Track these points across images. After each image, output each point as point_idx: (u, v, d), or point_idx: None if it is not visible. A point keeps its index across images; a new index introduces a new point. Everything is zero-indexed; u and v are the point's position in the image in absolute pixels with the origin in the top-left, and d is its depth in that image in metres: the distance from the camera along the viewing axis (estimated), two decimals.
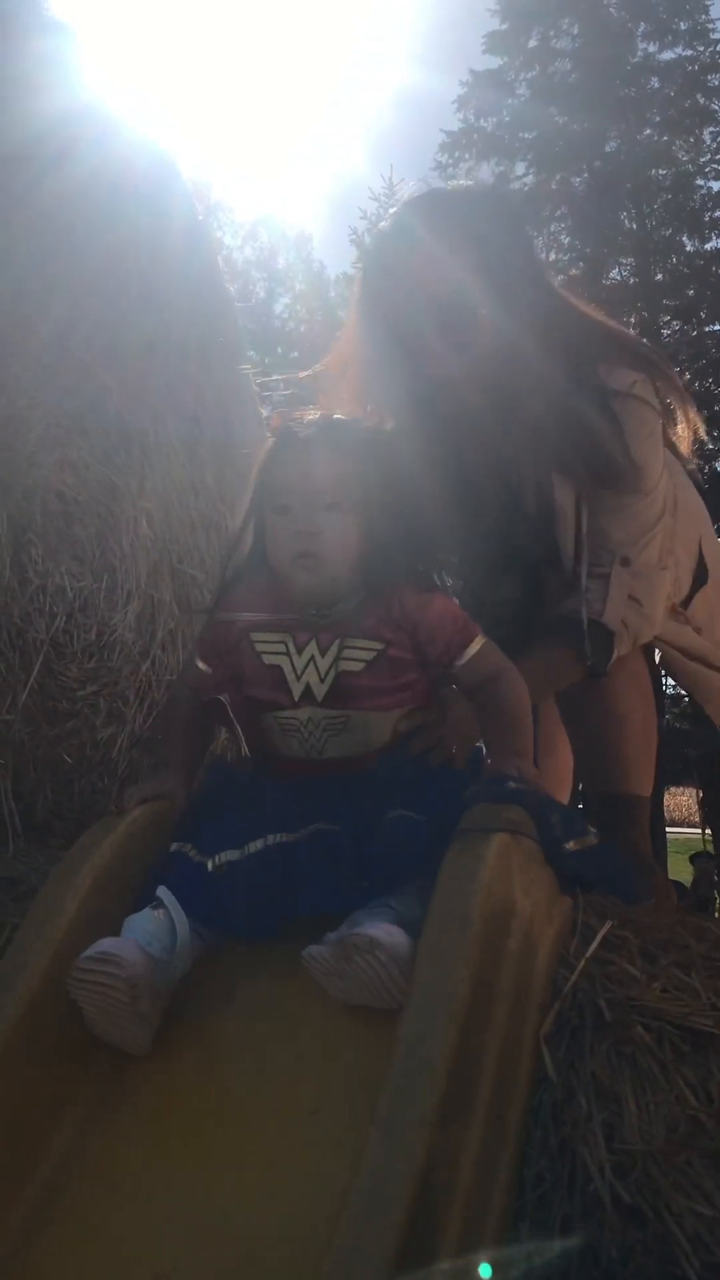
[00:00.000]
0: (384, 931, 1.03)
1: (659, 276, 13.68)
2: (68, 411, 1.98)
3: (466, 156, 14.17)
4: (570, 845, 1.22)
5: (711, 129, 13.69)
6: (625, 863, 1.42)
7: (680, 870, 10.93)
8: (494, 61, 14.21)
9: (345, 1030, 1.07)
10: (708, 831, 14.43)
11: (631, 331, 1.92)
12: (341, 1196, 0.84)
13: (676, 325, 13.58)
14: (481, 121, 14.24)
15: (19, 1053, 1.03)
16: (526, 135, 13.92)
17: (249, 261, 21.58)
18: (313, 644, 1.29)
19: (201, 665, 1.38)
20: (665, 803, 14.42)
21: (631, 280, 13.68)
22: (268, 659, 1.31)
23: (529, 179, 13.71)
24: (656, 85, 13.72)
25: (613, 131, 13.49)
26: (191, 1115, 1.05)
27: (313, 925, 1.11)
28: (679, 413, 1.80)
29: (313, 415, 1.36)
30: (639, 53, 13.82)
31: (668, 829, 13.73)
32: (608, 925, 1.16)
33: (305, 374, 1.82)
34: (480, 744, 1.38)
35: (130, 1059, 1.10)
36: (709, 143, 13.73)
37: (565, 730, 1.94)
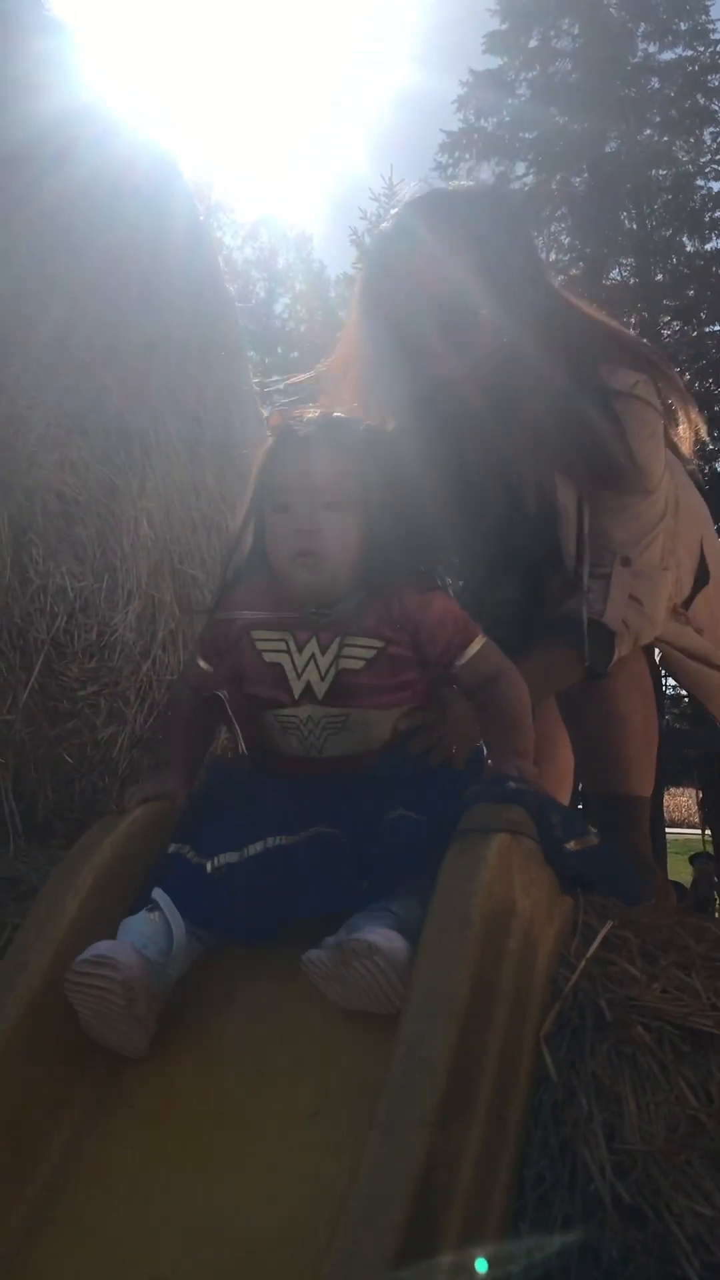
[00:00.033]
0: (382, 937, 1.03)
1: (659, 277, 13.69)
2: (68, 411, 1.98)
3: (467, 157, 14.18)
4: (571, 845, 1.22)
5: (712, 129, 13.71)
6: (626, 863, 1.42)
7: (680, 871, 10.93)
8: (494, 61, 14.24)
9: (344, 1032, 1.07)
10: (707, 832, 14.44)
11: (632, 332, 1.92)
12: (341, 1198, 0.85)
13: (676, 326, 13.60)
14: (482, 122, 14.26)
15: (19, 1053, 1.03)
16: (527, 135, 13.93)
17: (249, 262, 21.57)
18: (313, 642, 1.29)
19: (203, 664, 1.38)
20: (665, 803, 14.42)
21: (631, 281, 13.69)
22: (268, 657, 1.31)
23: (529, 179, 13.72)
24: (657, 85, 13.73)
25: (613, 132, 13.50)
26: (190, 1117, 1.05)
27: (312, 927, 1.11)
28: (680, 413, 1.80)
29: (312, 413, 1.36)
30: (639, 53, 13.85)
31: (667, 830, 13.73)
32: (608, 925, 1.16)
33: (307, 375, 1.82)
34: (480, 744, 1.37)
35: (130, 1061, 1.10)
36: (709, 143, 13.77)
37: (566, 731, 1.94)
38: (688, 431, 1.82)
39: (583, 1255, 0.88)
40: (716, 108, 13.66)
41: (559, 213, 13.60)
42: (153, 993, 1.08)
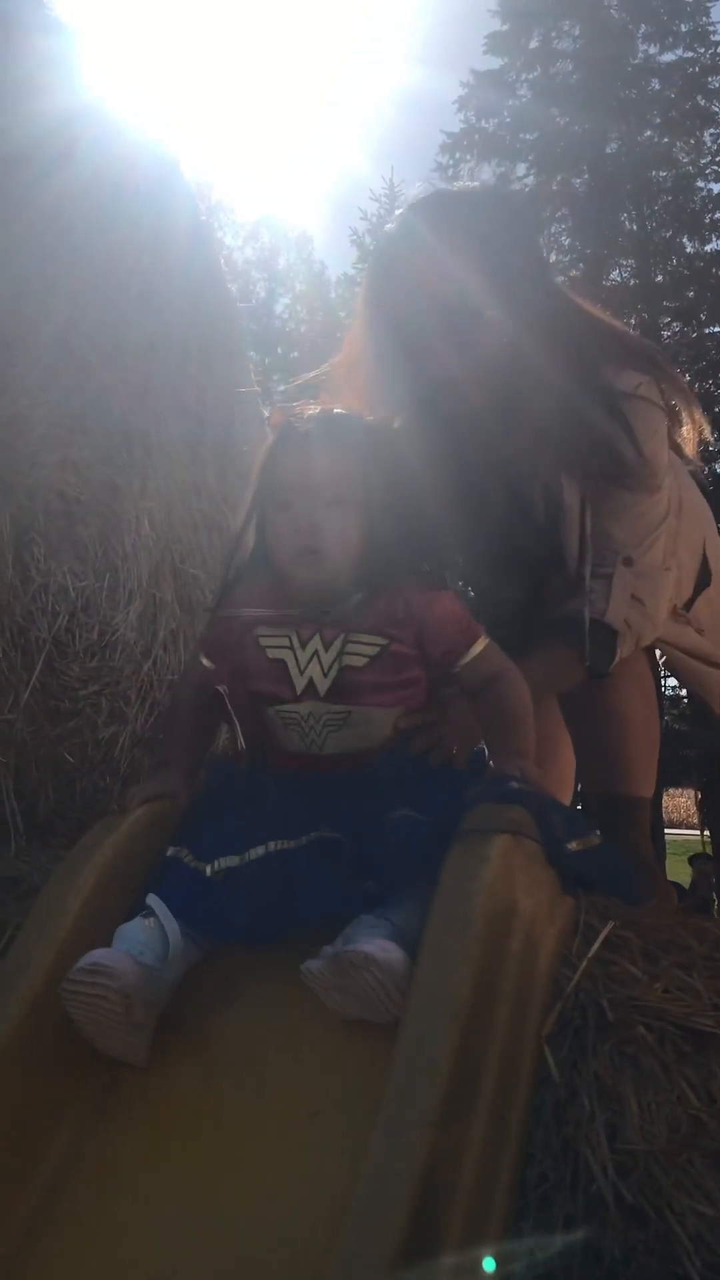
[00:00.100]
0: (379, 948, 1.02)
1: (659, 278, 13.70)
2: (70, 411, 1.98)
3: (467, 157, 14.19)
4: (572, 845, 1.22)
5: (712, 131, 13.73)
6: (627, 863, 1.42)
7: (679, 872, 10.93)
8: (495, 62, 14.24)
9: (345, 1033, 1.07)
10: (706, 833, 14.44)
11: (636, 333, 1.92)
12: (341, 1198, 0.85)
13: (677, 327, 13.61)
14: (482, 122, 14.26)
15: (21, 1053, 1.03)
16: (527, 136, 13.94)
17: (249, 262, 21.57)
18: (316, 638, 1.29)
19: (205, 662, 1.38)
20: (663, 804, 14.42)
21: (632, 282, 13.70)
22: (271, 653, 1.31)
23: (530, 180, 13.73)
24: (657, 87, 13.75)
25: (613, 133, 13.51)
26: (191, 1117, 1.05)
27: (312, 929, 1.11)
28: (684, 414, 1.80)
29: (313, 411, 1.36)
30: (640, 54, 13.86)
31: (666, 830, 13.74)
32: (610, 926, 1.16)
33: (314, 374, 1.82)
34: (482, 744, 1.38)
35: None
36: (709, 144, 13.78)
37: (567, 731, 1.94)
38: (691, 432, 1.82)
39: (585, 1255, 0.88)
40: (717, 109, 13.67)
41: (559, 214, 13.60)
42: (150, 999, 1.08)
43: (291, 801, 1.25)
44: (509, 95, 14.13)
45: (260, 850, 1.19)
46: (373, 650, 1.29)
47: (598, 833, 1.29)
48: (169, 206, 2.51)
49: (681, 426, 1.80)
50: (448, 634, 1.31)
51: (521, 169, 14.00)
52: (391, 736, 1.31)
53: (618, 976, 1.09)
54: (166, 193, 2.51)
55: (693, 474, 1.91)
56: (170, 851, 1.22)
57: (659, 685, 1.99)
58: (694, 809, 17.04)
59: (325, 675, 1.28)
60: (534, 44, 14.07)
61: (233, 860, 1.19)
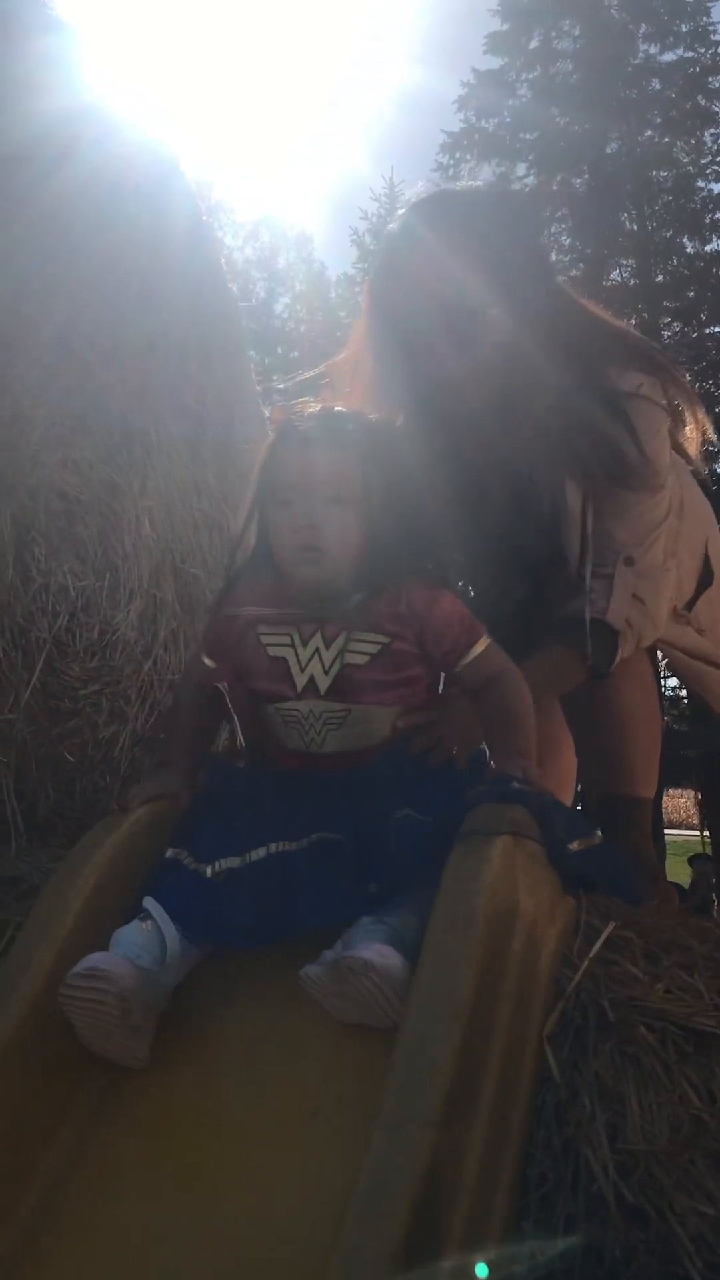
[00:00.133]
0: (377, 954, 1.02)
1: (659, 278, 13.70)
2: (71, 411, 1.98)
3: (468, 157, 14.18)
4: (574, 846, 1.22)
5: (712, 131, 13.73)
6: (627, 863, 1.42)
7: (679, 872, 10.93)
8: (495, 62, 14.24)
9: (345, 1032, 1.07)
10: (706, 833, 14.43)
11: (638, 333, 1.92)
12: (342, 1197, 0.85)
13: (677, 327, 13.61)
14: (483, 122, 14.26)
15: (23, 1052, 1.03)
16: (527, 136, 13.94)
17: (249, 261, 21.58)
18: (318, 636, 1.29)
19: (207, 661, 1.38)
20: (663, 805, 14.42)
21: (632, 282, 13.70)
22: (272, 651, 1.31)
23: (530, 180, 13.72)
24: (658, 87, 13.75)
25: (614, 133, 13.51)
26: (191, 1117, 1.05)
27: (313, 929, 1.12)
28: (688, 414, 1.80)
29: (314, 409, 1.36)
30: (640, 54, 13.86)
31: (666, 831, 13.73)
32: (611, 926, 1.16)
33: (317, 372, 1.82)
34: (483, 745, 1.37)
35: None
36: (710, 144, 13.78)
37: (569, 732, 1.94)
38: (695, 433, 1.82)
39: (586, 1255, 0.88)
40: (717, 109, 13.67)
41: (559, 214, 13.60)
42: (148, 1002, 1.08)
43: (292, 801, 1.26)
44: (509, 95, 14.13)
45: (262, 852, 1.19)
46: (374, 648, 1.29)
47: (599, 833, 1.29)
48: (168, 206, 2.51)
49: (685, 426, 1.80)
50: (450, 633, 1.31)
51: (522, 169, 14.00)
52: (390, 736, 1.31)
53: (619, 977, 1.09)
54: (166, 192, 2.51)
55: (694, 473, 1.91)
56: (169, 853, 1.22)
57: (659, 685, 1.99)
58: (694, 809, 17.03)
59: (326, 673, 1.28)
60: (534, 44, 14.07)
61: (234, 862, 1.19)
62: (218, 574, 2.00)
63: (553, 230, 13.49)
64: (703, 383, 12.64)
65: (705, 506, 1.93)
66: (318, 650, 1.29)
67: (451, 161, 14.26)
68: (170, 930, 1.13)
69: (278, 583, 1.33)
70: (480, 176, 13.52)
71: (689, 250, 13.81)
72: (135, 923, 1.14)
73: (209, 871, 1.19)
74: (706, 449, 1.91)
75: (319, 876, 1.15)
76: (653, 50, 13.85)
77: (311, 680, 1.28)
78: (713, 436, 1.86)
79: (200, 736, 1.40)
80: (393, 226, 1.76)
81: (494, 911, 1.02)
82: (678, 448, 1.81)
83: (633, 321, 12.08)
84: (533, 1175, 0.94)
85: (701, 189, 13.73)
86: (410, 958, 1.02)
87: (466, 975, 0.95)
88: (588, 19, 13.72)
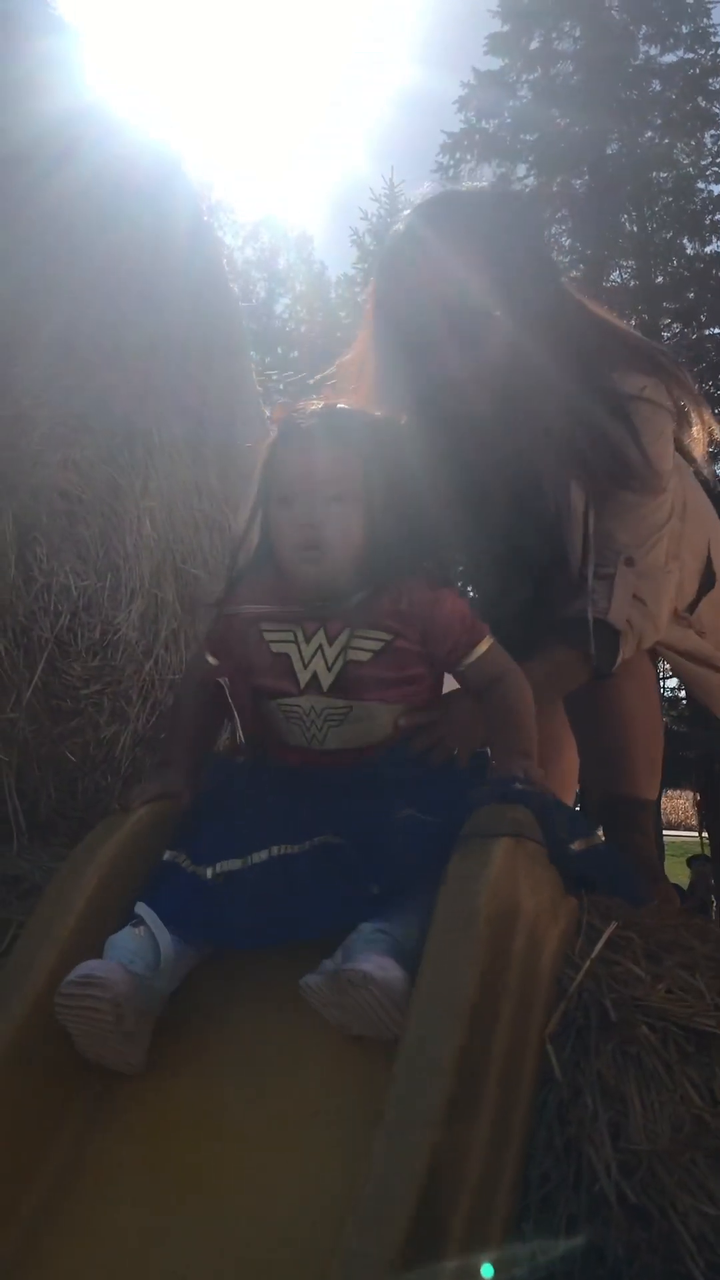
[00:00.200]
0: (377, 966, 1.02)
1: (659, 279, 13.71)
2: (73, 411, 1.98)
3: (468, 158, 14.18)
4: (575, 846, 1.22)
5: (712, 132, 13.74)
6: (628, 864, 1.42)
7: (677, 873, 10.93)
8: (495, 63, 14.25)
9: (346, 1034, 1.07)
10: (705, 835, 14.43)
11: (643, 335, 1.92)
12: (343, 1199, 0.85)
13: (677, 328, 13.61)
14: (483, 123, 14.26)
15: (25, 1052, 1.04)
16: (528, 137, 13.95)
17: (250, 262, 21.62)
18: (321, 633, 1.29)
19: (210, 659, 1.38)
20: (662, 806, 14.42)
21: (632, 283, 13.70)
22: (275, 647, 1.31)
23: (530, 181, 13.72)
24: (658, 88, 13.76)
25: (614, 134, 13.52)
26: (192, 1119, 1.05)
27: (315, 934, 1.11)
28: (694, 415, 1.80)
29: (316, 406, 1.36)
30: (640, 55, 13.87)
31: (665, 832, 13.73)
32: (613, 926, 1.16)
33: (327, 372, 1.82)
34: (484, 745, 1.38)
35: None
36: (710, 146, 13.80)
37: (571, 733, 1.94)
38: (701, 434, 1.81)
39: (588, 1254, 0.88)
40: (717, 110, 13.68)
41: (559, 215, 13.60)
42: (142, 1008, 1.08)
43: (293, 800, 1.25)
44: (509, 96, 14.14)
45: (264, 854, 1.19)
46: (377, 645, 1.29)
47: (600, 833, 1.30)
48: (170, 206, 2.50)
49: (691, 428, 1.80)
50: (453, 632, 1.31)
51: (522, 170, 14.01)
52: (392, 734, 1.31)
53: (621, 976, 1.09)
54: (168, 193, 2.51)
55: (696, 474, 1.91)
56: (167, 855, 1.22)
57: (659, 686, 1.99)
58: (692, 811, 17.03)
59: (329, 669, 1.28)
60: (535, 45, 14.07)
61: (235, 864, 1.19)
62: (219, 574, 2.00)
63: (552, 231, 13.48)
64: (702, 384, 12.64)
65: (708, 509, 1.93)
66: (321, 647, 1.29)
67: (451, 162, 14.27)
68: (163, 935, 1.13)
69: (280, 581, 1.33)
70: (480, 177, 13.52)
71: (689, 251, 13.83)
72: (128, 928, 1.14)
73: (209, 873, 1.18)
74: (710, 450, 1.91)
75: (321, 880, 1.14)
76: (653, 51, 13.88)
77: (314, 676, 1.28)
78: (719, 437, 1.86)
79: (202, 736, 1.40)
80: (397, 228, 1.76)
81: (496, 911, 1.02)
82: (682, 450, 1.81)
83: (632, 323, 12.06)
84: (534, 1175, 0.94)
85: (701, 190, 13.75)
86: (411, 968, 1.02)
87: (468, 975, 0.95)
88: (588, 20, 13.73)
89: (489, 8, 14.21)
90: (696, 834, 15.37)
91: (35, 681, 1.80)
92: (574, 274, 12.39)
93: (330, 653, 1.28)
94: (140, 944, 1.12)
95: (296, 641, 1.30)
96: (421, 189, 1.82)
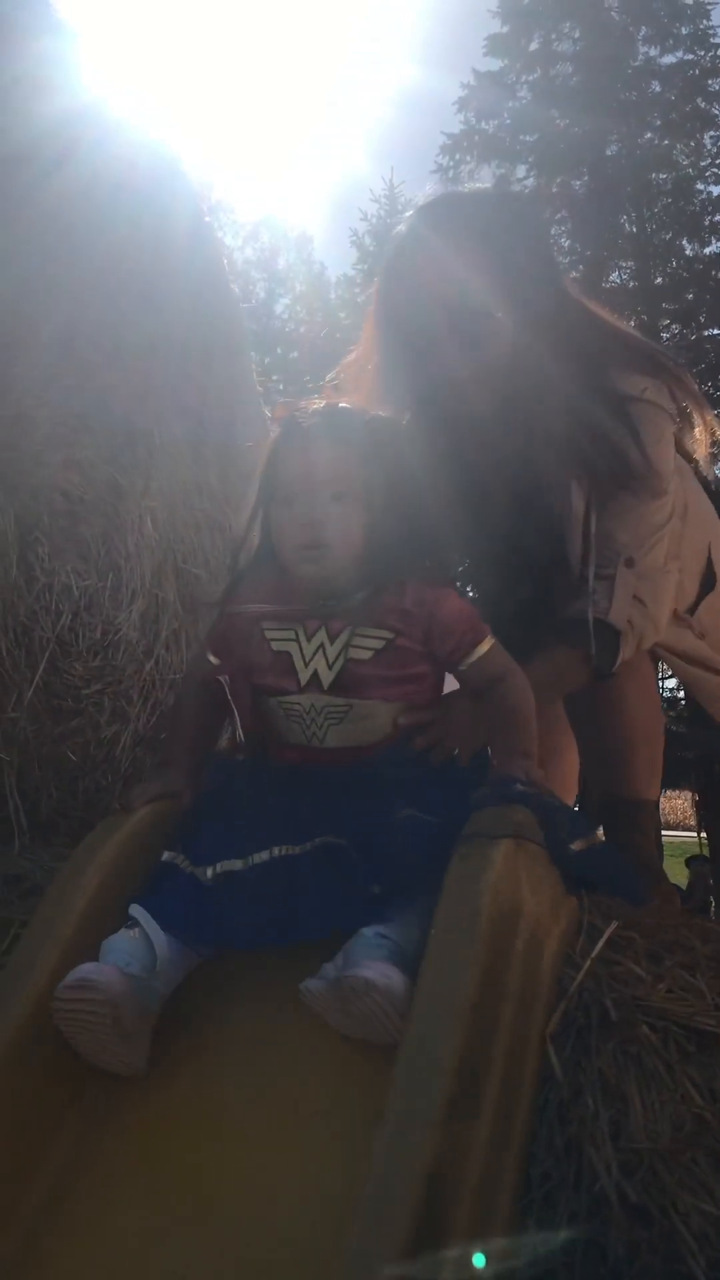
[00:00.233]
0: (379, 973, 1.02)
1: (659, 280, 13.70)
2: (73, 411, 1.98)
3: (467, 159, 14.17)
4: (576, 846, 1.22)
5: (712, 133, 13.72)
6: (628, 864, 1.42)
7: (676, 874, 10.93)
8: (495, 63, 14.24)
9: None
10: (703, 835, 14.42)
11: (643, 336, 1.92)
12: (344, 1199, 0.85)
13: (676, 329, 13.60)
14: (483, 124, 14.24)
15: (26, 1051, 1.04)
16: (527, 138, 13.93)
17: (249, 262, 21.63)
18: (322, 631, 1.29)
19: (212, 658, 1.38)
20: (661, 806, 14.40)
21: (631, 284, 13.69)
22: (276, 645, 1.31)
23: (530, 182, 13.71)
24: (657, 89, 13.75)
25: (613, 135, 13.51)
26: (193, 1119, 1.06)
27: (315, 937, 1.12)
28: (696, 416, 1.80)
29: (317, 405, 1.36)
30: (640, 56, 13.85)
31: (663, 832, 13.71)
32: (613, 926, 1.17)
33: (333, 373, 1.82)
34: (485, 745, 1.38)
35: None
36: (709, 147, 13.77)
37: (572, 734, 1.94)
38: (704, 435, 1.82)
39: (588, 1253, 0.88)
40: (717, 112, 13.66)
41: (559, 215, 13.59)
42: (139, 1010, 1.07)
43: (294, 800, 1.25)
44: (509, 97, 14.13)
45: (264, 855, 1.18)
46: (378, 644, 1.29)
47: (600, 833, 1.30)
48: (170, 207, 2.51)
49: (693, 429, 1.80)
50: (456, 631, 1.31)
51: (521, 171, 14.00)
52: (392, 733, 1.31)
53: (621, 976, 1.09)
54: (167, 193, 2.51)
55: (697, 475, 1.91)
56: (165, 856, 1.22)
57: (659, 687, 1.99)
58: (691, 811, 17.02)
59: (330, 668, 1.28)
60: (534, 46, 14.06)
61: (235, 864, 1.19)
62: (220, 574, 2.01)
63: (552, 232, 13.48)
64: (702, 384, 12.65)
65: (709, 510, 1.93)
66: (322, 645, 1.29)
67: (451, 163, 14.26)
68: (158, 936, 1.13)
69: (282, 580, 1.33)
70: (480, 178, 13.52)
71: (688, 253, 13.81)
72: (123, 931, 1.14)
73: (209, 874, 1.18)
74: (711, 451, 1.91)
75: (322, 881, 1.14)
76: (653, 53, 13.86)
77: (315, 675, 1.29)
78: None
79: (203, 735, 1.40)
80: (399, 229, 1.76)
81: (497, 911, 1.02)
82: (684, 451, 1.81)
83: (632, 324, 12.07)
84: (535, 1174, 0.94)
85: (701, 191, 13.73)
86: (412, 972, 1.02)
87: (469, 976, 0.95)
88: (588, 21, 13.73)
89: (489, 8, 14.22)
90: (695, 834, 15.36)
91: (36, 681, 1.80)
92: (574, 275, 12.40)
93: (331, 651, 1.28)
94: (135, 945, 1.12)
95: (298, 640, 1.30)
96: (423, 190, 1.82)
